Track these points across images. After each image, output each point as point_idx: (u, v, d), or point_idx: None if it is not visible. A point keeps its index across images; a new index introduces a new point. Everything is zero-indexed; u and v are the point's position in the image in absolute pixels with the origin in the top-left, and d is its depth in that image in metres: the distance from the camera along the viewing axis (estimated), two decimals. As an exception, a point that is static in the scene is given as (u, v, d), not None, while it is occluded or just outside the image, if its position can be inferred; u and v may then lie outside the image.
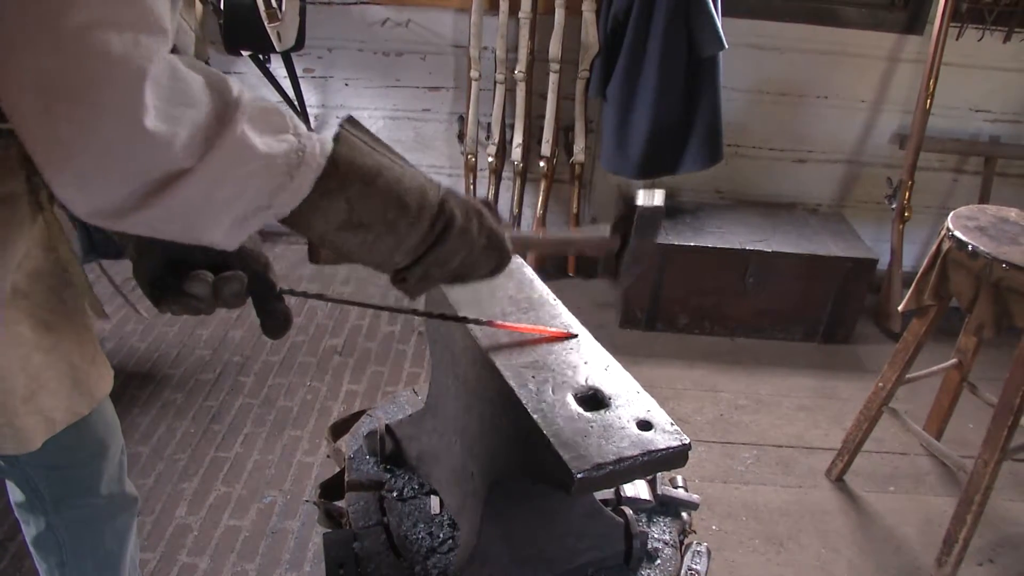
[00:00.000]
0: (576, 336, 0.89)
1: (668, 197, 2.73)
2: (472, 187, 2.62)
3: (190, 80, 0.48)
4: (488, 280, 0.71)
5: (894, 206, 2.57)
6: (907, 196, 2.54)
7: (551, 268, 2.74)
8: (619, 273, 0.87)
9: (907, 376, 1.83)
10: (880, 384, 1.85)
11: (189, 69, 0.48)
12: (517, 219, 2.69)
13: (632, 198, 0.84)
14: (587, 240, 0.85)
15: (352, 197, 0.57)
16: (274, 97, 2.59)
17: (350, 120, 0.59)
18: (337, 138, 0.57)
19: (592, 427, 0.74)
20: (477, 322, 0.86)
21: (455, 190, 0.66)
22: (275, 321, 0.74)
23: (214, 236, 0.53)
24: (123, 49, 0.43)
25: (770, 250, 2.39)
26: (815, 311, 2.48)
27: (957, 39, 2.46)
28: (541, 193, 2.60)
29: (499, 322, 0.87)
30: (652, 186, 0.88)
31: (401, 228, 0.60)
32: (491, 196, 2.63)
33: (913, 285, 1.73)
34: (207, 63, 2.69)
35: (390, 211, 0.59)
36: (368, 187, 0.57)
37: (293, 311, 2.83)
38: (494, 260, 0.69)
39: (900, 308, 1.78)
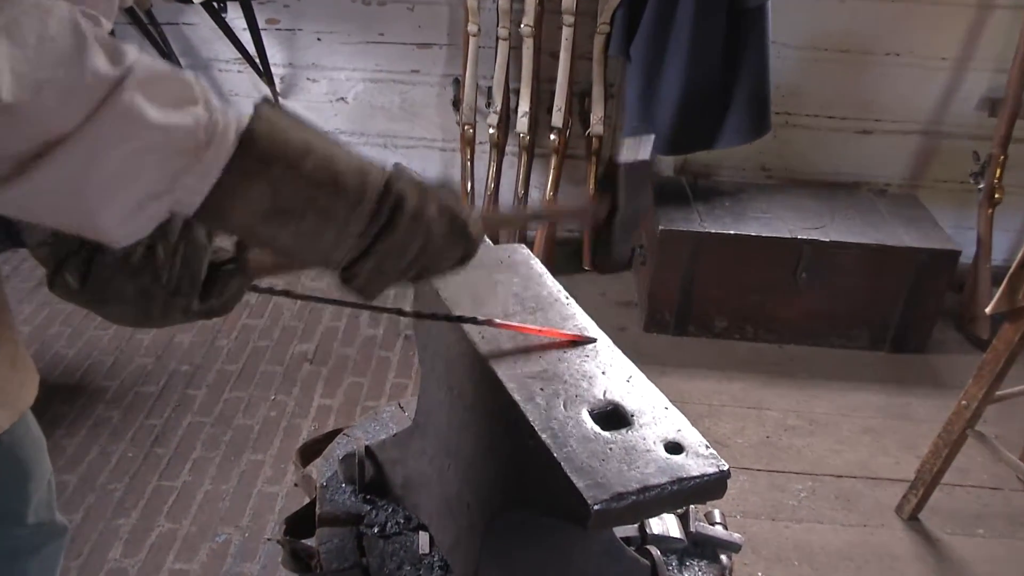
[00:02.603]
0: (593, 341, 0.90)
1: (704, 176, 2.74)
2: (470, 163, 2.63)
3: (64, 36, 0.48)
4: (455, 272, 0.71)
5: (981, 186, 2.56)
6: (998, 174, 2.53)
7: (563, 261, 2.74)
8: (612, 245, 0.87)
9: (997, 393, 1.82)
10: (963, 402, 1.85)
11: (70, 22, 0.49)
12: (523, 201, 2.69)
13: (615, 154, 0.83)
14: (568, 211, 0.85)
15: (276, 179, 0.57)
16: (231, 54, 2.60)
17: (267, 101, 0.59)
18: (255, 114, 0.57)
19: (611, 449, 0.75)
20: (475, 322, 0.87)
21: (404, 167, 0.66)
22: (224, 304, 0.75)
23: (105, 223, 0.53)
24: None
25: (827, 239, 2.39)
26: (882, 313, 2.48)
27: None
28: (551, 171, 2.61)
29: (501, 321, 0.88)
30: (639, 136, 0.87)
31: (339, 214, 0.60)
32: (493, 174, 2.64)
33: (1004, 282, 1.72)
34: (149, 13, 2.70)
35: (323, 194, 0.59)
36: (294, 167, 0.58)
37: (254, 311, 2.82)
38: (459, 247, 0.69)
39: (988, 310, 1.77)
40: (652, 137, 0.85)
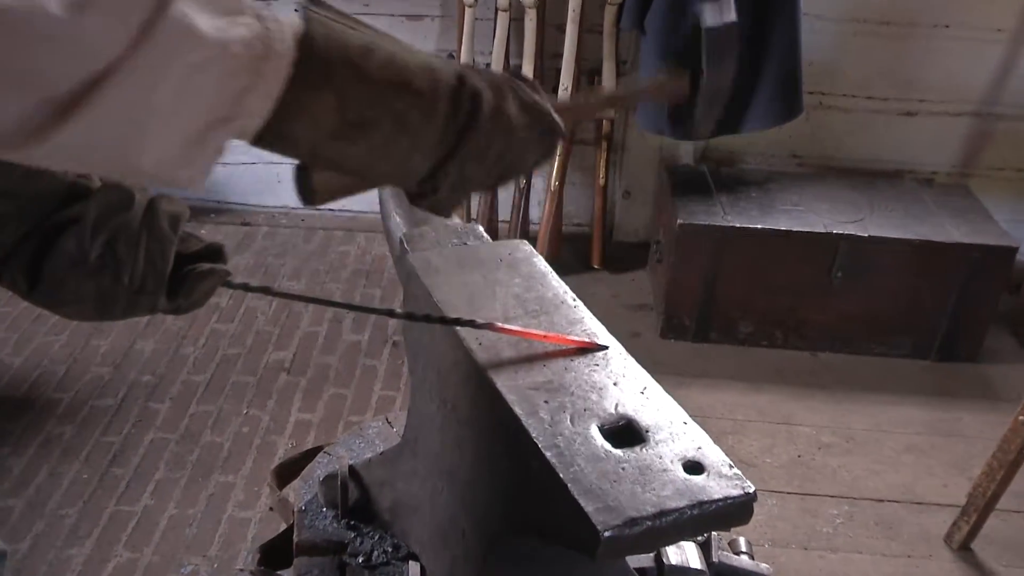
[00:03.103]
0: (604, 348, 0.90)
1: (728, 164, 2.74)
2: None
3: None
4: (540, 168, 0.71)
5: (1039, 175, 2.57)
6: (1058, 161, 2.54)
7: (569, 258, 2.75)
8: (694, 121, 0.86)
9: (1057, 406, 1.83)
10: (1021, 418, 1.85)
11: None
12: (525, 192, 2.70)
13: (696, 19, 0.83)
14: (647, 89, 0.84)
15: (342, 87, 0.56)
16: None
17: (308, 6, 0.58)
18: (306, 15, 0.57)
19: (624, 469, 0.76)
20: (473, 325, 0.88)
21: (472, 66, 0.66)
22: (190, 302, 0.76)
23: (167, 165, 0.52)
24: None
25: (866, 234, 2.40)
26: (928, 317, 2.49)
27: None
28: (557, 159, 2.61)
29: (502, 326, 0.88)
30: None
31: (414, 119, 0.60)
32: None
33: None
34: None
35: (396, 97, 0.59)
36: (360, 70, 0.57)
37: (224, 315, 2.83)
38: (543, 140, 0.70)
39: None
40: (732, 1, 0.84)
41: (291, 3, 0.58)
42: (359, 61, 0.57)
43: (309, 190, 0.66)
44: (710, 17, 0.83)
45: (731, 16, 0.83)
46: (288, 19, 0.56)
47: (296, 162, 0.65)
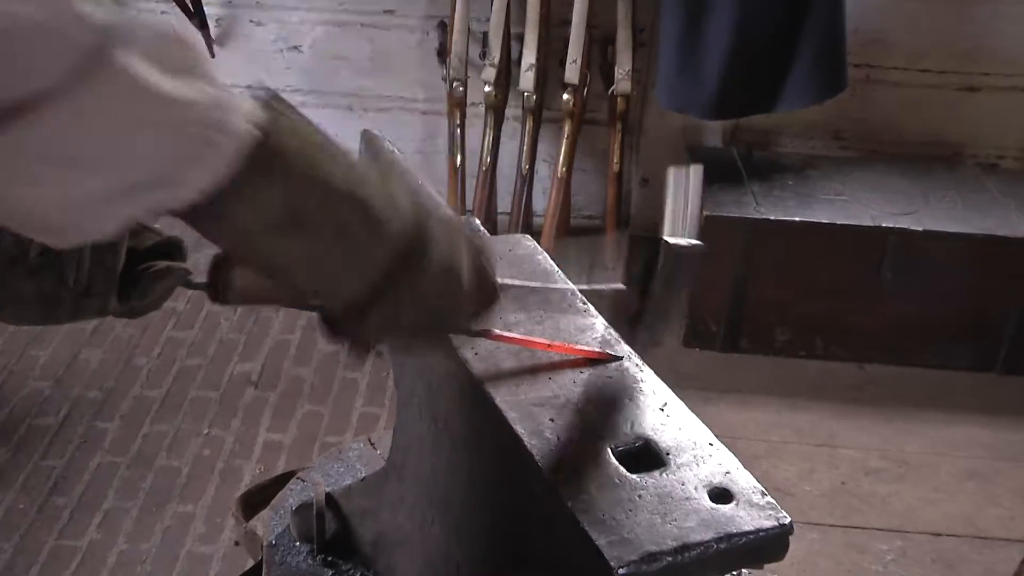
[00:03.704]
0: (619, 359, 0.91)
1: (762, 147, 2.75)
2: (460, 130, 2.64)
3: None
4: (463, 332, 0.76)
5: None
6: None
7: (579, 254, 2.75)
8: (637, 331, 0.90)
9: None
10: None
11: None
12: (528, 179, 2.70)
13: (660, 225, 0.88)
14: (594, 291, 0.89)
15: (296, 180, 0.58)
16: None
17: (273, 95, 0.61)
18: (272, 102, 0.59)
19: (641, 497, 0.76)
20: (468, 333, 0.88)
21: (436, 202, 0.69)
22: (145, 305, 0.77)
23: (71, 211, 0.53)
24: None
25: (920, 228, 2.40)
26: (992, 323, 2.49)
27: None
28: (565, 140, 2.62)
29: (501, 333, 0.88)
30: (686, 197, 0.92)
31: (360, 235, 0.62)
32: (489, 144, 2.65)
33: None
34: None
35: (348, 209, 0.61)
36: (319, 171, 0.59)
37: (182, 321, 2.83)
38: (479, 304, 0.73)
39: None
40: (697, 220, 0.89)
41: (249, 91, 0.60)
42: (317, 160, 0.60)
43: (225, 286, 0.68)
44: (671, 231, 0.87)
45: (698, 245, 0.87)
46: (249, 99, 0.57)
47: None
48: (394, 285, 0.65)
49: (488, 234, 1.09)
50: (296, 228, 0.60)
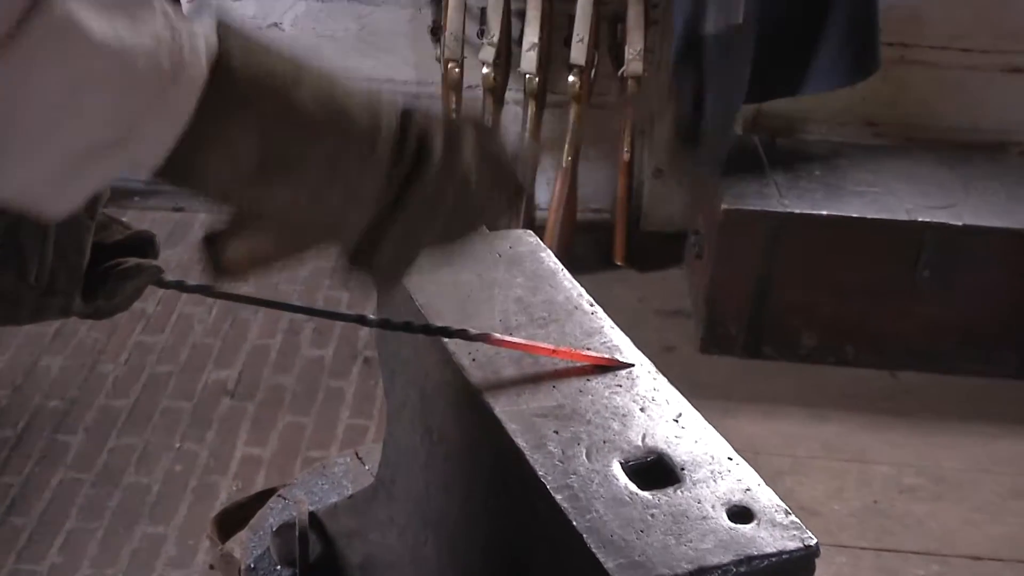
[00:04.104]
0: (629, 366, 0.91)
1: (786, 133, 2.74)
2: (454, 115, 2.64)
3: None
4: (502, 226, 0.74)
5: None
6: None
7: (586, 252, 2.76)
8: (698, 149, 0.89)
9: None
10: None
11: None
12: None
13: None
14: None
15: (264, 118, 0.58)
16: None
17: (222, 23, 0.59)
18: (222, 32, 0.58)
19: (654, 516, 0.76)
20: (466, 337, 0.88)
21: (419, 102, 0.68)
22: (112, 305, 0.77)
23: (31, 183, 0.53)
24: None
25: (960, 223, 2.40)
26: (1038, 328, 2.49)
27: None
28: (571, 126, 2.62)
29: (501, 338, 0.89)
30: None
31: (349, 162, 0.61)
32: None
33: None
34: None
35: (327, 136, 0.60)
36: (286, 100, 0.59)
37: (153, 323, 2.81)
38: (504, 197, 0.72)
39: None
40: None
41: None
42: (284, 90, 0.59)
43: (218, 263, 0.67)
44: (715, 22, 0.86)
45: (737, 16, 0.87)
46: (202, 31, 0.57)
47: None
48: (400, 203, 0.64)
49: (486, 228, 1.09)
50: (279, 171, 0.59)
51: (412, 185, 0.64)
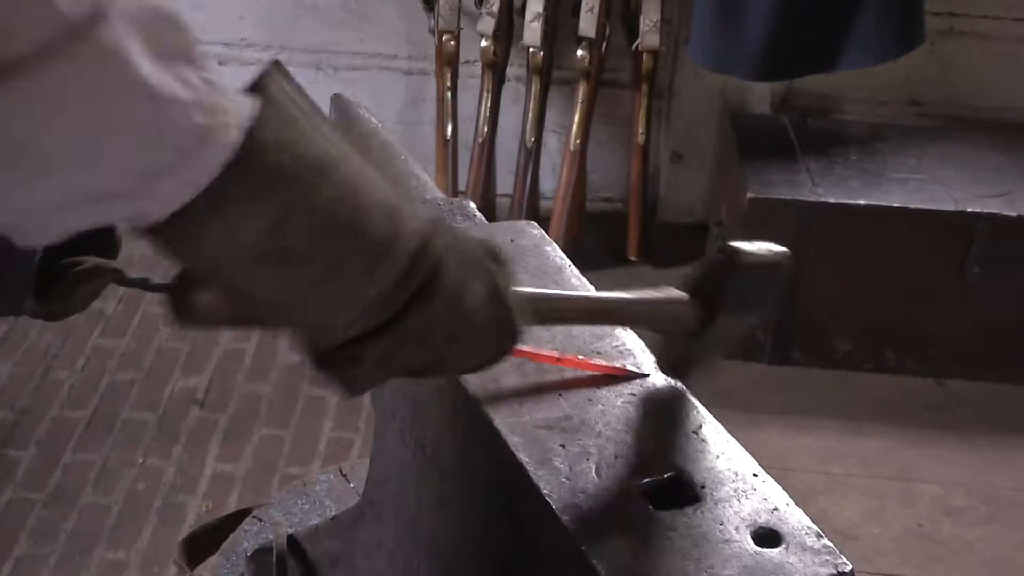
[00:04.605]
0: (643, 376, 0.91)
1: (820, 113, 2.74)
2: (451, 94, 2.64)
3: None
4: (478, 372, 0.77)
5: None
6: None
7: (595, 246, 2.75)
8: (689, 359, 0.91)
9: None
10: None
11: None
12: (533, 154, 2.71)
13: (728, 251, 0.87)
14: (653, 308, 0.89)
15: (280, 205, 0.59)
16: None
17: (278, 65, 0.61)
18: (265, 97, 0.59)
19: (671, 539, 0.76)
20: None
21: (443, 219, 0.69)
22: (67, 309, 0.77)
23: (19, 210, 0.54)
24: None
25: (1014, 213, 2.40)
26: (1101, 331, 2.49)
27: None
28: (579, 107, 2.62)
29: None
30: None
31: (353, 268, 0.62)
32: (486, 111, 2.65)
33: None
34: None
35: (340, 236, 0.61)
36: (308, 192, 0.60)
37: (113, 326, 2.80)
38: (493, 346, 0.74)
39: None
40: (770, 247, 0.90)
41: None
42: (310, 179, 0.60)
43: (189, 305, 0.68)
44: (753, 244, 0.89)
45: (781, 254, 0.89)
46: (242, 99, 0.58)
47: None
48: (395, 322, 0.65)
49: (485, 220, 1.09)
50: (281, 259, 0.61)
51: (414, 308, 0.65)
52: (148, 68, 0.52)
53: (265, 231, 0.59)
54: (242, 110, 0.57)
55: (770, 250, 0.89)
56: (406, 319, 0.65)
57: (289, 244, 0.60)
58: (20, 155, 0.51)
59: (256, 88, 0.59)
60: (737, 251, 0.87)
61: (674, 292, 0.88)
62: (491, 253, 0.73)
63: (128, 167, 0.54)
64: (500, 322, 0.72)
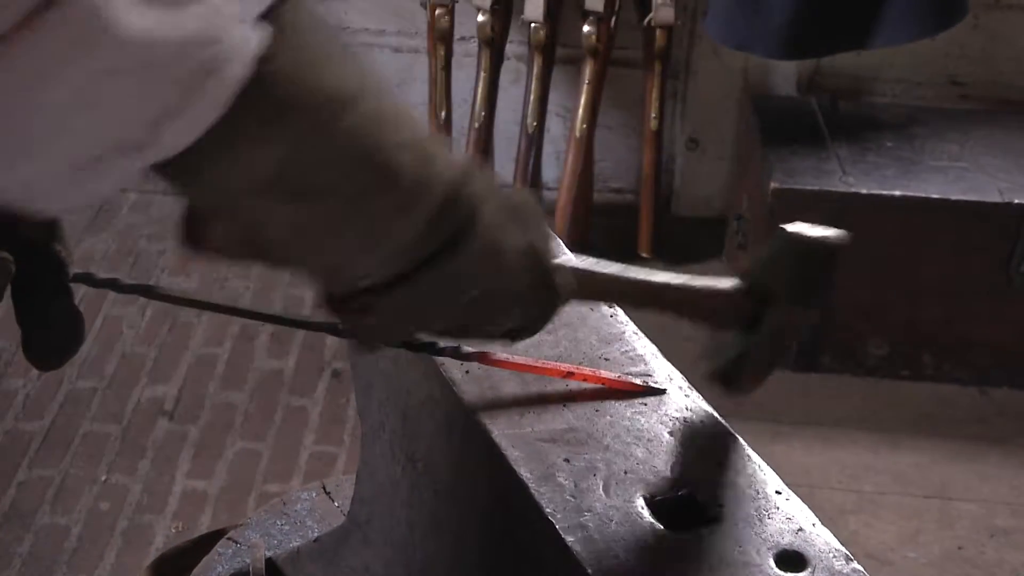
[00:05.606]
0: (661, 393, 0.91)
1: (851, 95, 2.75)
2: (444, 73, 2.65)
3: None
4: (513, 338, 0.77)
5: None
6: None
7: (604, 241, 2.76)
8: (740, 369, 0.91)
9: None
10: None
11: None
12: (535, 139, 2.71)
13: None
14: (705, 294, 0.89)
15: (295, 138, 0.60)
16: None
17: (287, 13, 0.61)
18: (279, 26, 0.59)
19: (686, 562, 0.77)
20: (456, 356, 0.88)
21: (479, 165, 0.69)
22: (57, 333, 0.78)
23: (33, 186, 0.55)
24: None
25: (1065, 206, 2.41)
26: None
27: None
28: (585, 88, 2.62)
29: (500, 357, 0.89)
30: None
31: (380, 208, 0.63)
32: (484, 92, 2.65)
33: None
34: None
35: (363, 174, 0.62)
36: (327, 124, 0.60)
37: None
38: (530, 309, 0.74)
39: None
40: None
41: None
42: (328, 110, 0.61)
43: (198, 232, 0.68)
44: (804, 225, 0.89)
45: (839, 235, 0.90)
46: (251, 28, 0.58)
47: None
48: (420, 271, 0.66)
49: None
50: (296, 193, 0.61)
51: (444, 257, 0.66)
52: (136, 20, 0.52)
53: (279, 164, 0.60)
54: (249, 41, 0.57)
55: (830, 234, 0.89)
56: (432, 269, 0.66)
57: (306, 178, 0.61)
58: (17, 128, 0.53)
59: (269, 15, 0.59)
60: (799, 234, 0.87)
61: (724, 280, 0.88)
62: (532, 209, 0.73)
63: (133, 116, 0.55)
64: (539, 287, 0.72)
